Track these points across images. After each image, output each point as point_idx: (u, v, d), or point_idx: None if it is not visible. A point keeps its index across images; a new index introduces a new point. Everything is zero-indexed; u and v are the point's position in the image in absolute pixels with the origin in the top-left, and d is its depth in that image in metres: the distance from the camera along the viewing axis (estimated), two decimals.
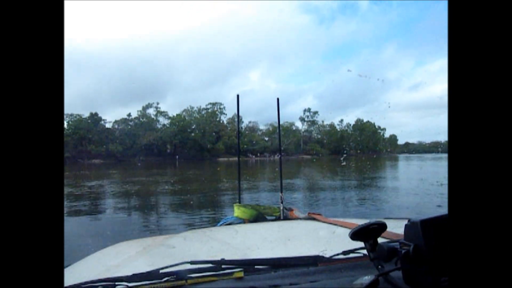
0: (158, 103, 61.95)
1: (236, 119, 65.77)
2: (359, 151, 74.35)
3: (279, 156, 3.54)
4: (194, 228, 4.62)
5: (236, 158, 53.61)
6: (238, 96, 2.91)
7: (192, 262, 0.90)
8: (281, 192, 2.52)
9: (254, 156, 59.94)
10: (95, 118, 54.49)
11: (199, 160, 50.29)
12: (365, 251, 0.78)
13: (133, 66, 77.63)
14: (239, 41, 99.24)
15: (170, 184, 16.38)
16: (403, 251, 0.66)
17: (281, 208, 2.36)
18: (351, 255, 0.93)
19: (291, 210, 2.32)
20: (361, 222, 1.37)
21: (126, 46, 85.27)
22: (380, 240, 0.75)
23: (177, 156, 55.03)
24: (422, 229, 0.65)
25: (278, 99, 2.99)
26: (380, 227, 0.73)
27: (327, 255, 0.93)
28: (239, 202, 2.59)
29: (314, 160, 52.77)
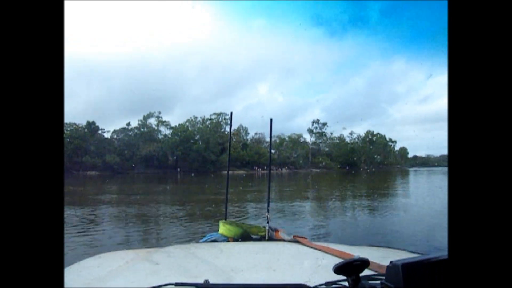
0: (160, 112, 58.63)
1: (241, 131, 65.46)
2: (370, 164, 71.00)
3: (268, 172, 3.22)
4: (178, 243, 4.09)
5: (241, 171, 52.46)
6: (231, 113, 3.32)
7: (176, 284, 0.89)
8: (268, 211, 2.48)
9: (260, 169, 56.34)
10: (92, 127, 51.20)
11: (202, 173, 46.86)
12: (346, 283, 0.78)
13: (139, 77, 75.40)
14: (248, 53, 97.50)
15: (170, 204, 13.37)
16: None
17: (267, 228, 2.31)
18: (333, 286, 0.90)
19: (276, 230, 2.28)
20: (345, 249, 1.46)
21: (133, 57, 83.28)
22: (366, 271, 0.76)
23: (178, 169, 51.56)
24: (403, 272, 0.65)
25: (271, 119, 2.89)
26: (363, 264, 0.73)
27: (311, 285, 0.90)
28: (225, 219, 2.51)
29: (324, 174, 49.13)
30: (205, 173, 46.35)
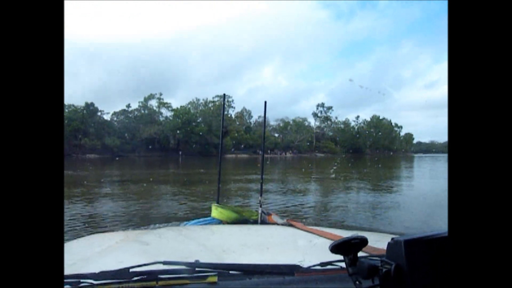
0: (161, 94, 56.72)
1: (244, 114, 64.24)
2: (377, 150, 69.66)
3: (261, 156, 3.57)
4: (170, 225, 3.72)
5: (244, 155, 51.53)
6: (224, 95, 3.55)
7: (165, 263, 0.88)
8: (261, 195, 2.55)
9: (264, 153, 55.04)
10: (91, 109, 49.48)
11: (204, 156, 45.62)
12: (343, 264, 0.77)
13: (140, 58, 73.73)
14: (253, 36, 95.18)
15: (170, 186, 12.46)
16: (384, 270, 0.65)
17: (260, 212, 2.33)
18: (329, 267, 0.90)
19: (269, 214, 2.31)
20: (339, 232, 1.46)
21: (134, 38, 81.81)
22: (360, 254, 0.75)
23: (180, 152, 50.14)
24: (405, 249, 0.64)
25: (265, 102, 3.14)
26: (362, 242, 0.72)
27: (305, 265, 0.91)
28: (218, 203, 2.49)
29: (329, 159, 47.85)
30: (207, 156, 45.15)
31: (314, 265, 0.91)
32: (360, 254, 0.73)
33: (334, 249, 0.71)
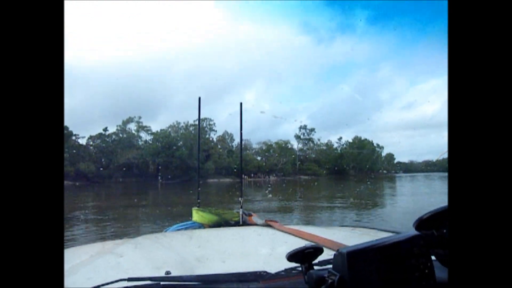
0: (140, 117, 54.88)
1: (226, 137, 63.46)
2: (359, 171, 69.66)
3: (239, 162, 4.14)
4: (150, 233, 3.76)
5: (227, 179, 50.18)
6: (199, 98, 3.09)
7: (129, 279, 0.87)
8: (241, 197, 2.52)
9: (247, 177, 53.58)
10: (65, 133, 47.29)
11: (185, 181, 43.78)
12: None
13: (119, 82, 71.48)
14: (235, 60, 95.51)
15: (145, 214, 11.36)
16: (329, 281, 0.67)
17: (240, 212, 2.32)
18: (293, 272, 0.91)
19: (250, 215, 2.31)
20: (316, 231, 1.47)
21: (113, 61, 79.33)
22: (326, 254, 0.79)
23: (159, 177, 48.06)
24: (348, 260, 0.66)
25: (241, 103, 2.74)
26: (316, 251, 0.75)
27: (272, 271, 0.92)
28: (198, 207, 2.47)
29: (315, 182, 47.11)
30: (188, 181, 43.39)
31: (280, 271, 0.91)
32: (324, 257, 0.78)
33: (290, 258, 0.74)
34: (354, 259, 0.66)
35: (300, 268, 0.82)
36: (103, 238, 7.26)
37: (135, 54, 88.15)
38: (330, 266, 0.78)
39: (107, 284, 0.85)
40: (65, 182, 40.74)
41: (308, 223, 9.35)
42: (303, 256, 0.74)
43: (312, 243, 0.77)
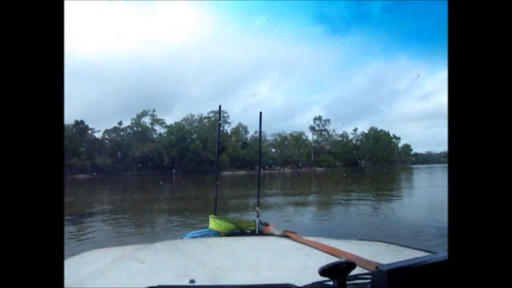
0: (154, 111, 54.94)
1: (240, 129, 63.12)
2: (375, 163, 68.33)
3: (258, 169, 3.72)
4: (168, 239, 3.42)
5: (241, 172, 50.02)
6: (220, 106, 3.51)
7: (158, 287, 0.88)
8: (258, 206, 2.51)
9: (262, 169, 53.18)
10: (81, 127, 47.62)
11: (200, 174, 43.75)
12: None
13: (133, 75, 71.66)
14: (249, 51, 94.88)
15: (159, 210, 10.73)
16: None
17: (257, 222, 2.30)
18: (322, 286, 0.90)
19: (266, 225, 2.29)
20: (336, 244, 1.46)
21: (128, 55, 79.83)
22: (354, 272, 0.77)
23: (174, 170, 48.12)
24: (388, 278, 0.65)
25: (260, 113, 2.95)
26: (349, 266, 0.74)
27: (298, 285, 0.90)
28: (215, 214, 2.49)
29: (329, 173, 46.30)
30: (203, 173, 43.36)
31: (307, 285, 0.89)
32: (354, 272, 0.76)
33: (323, 273, 0.74)
34: (395, 277, 0.65)
35: (329, 283, 0.80)
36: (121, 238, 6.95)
37: (148, 48, 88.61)
38: (360, 281, 0.79)
39: None
40: (83, 176, 41.61)
41: (327, 218, 8.89)
42: (337, 271, 0.73)
43: (346, 258, 0.76)
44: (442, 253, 0.70)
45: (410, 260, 0.69)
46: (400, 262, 0.68)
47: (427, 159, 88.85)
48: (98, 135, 51.10)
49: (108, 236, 7.43)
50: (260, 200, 2.78)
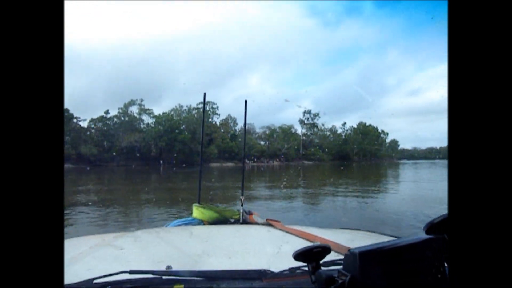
0: (142, 100, 53.82)
1: (229, 121, 62.69)
2: (363, 157, 69.08)
3: (243, 157, 3.59)
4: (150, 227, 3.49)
5: (230, 164, 49.85)
6: (204, 94, 3.10)
7: (131, 272, 0.87)
8: (242, 195, 2.48)
9: (250, 162, 53.09)
10: (65, 115, 46.49)
11: (188, 165, 43.41)
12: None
13: (122, 64, 70.30)
14: (239, 43, 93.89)
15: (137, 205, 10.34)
16: (339, 281, 0.67)
17: (241, 211, 2.29)
18: (298, 271, 0.91)
19: (250, 214, 2.28)
20: (318, 232, 1.47)
21: (116, 43, 78.13)
22: (332, 255, 0.78)
23: (161, 161, 47.59)
24: (360, 260, 0.65)
25: (246, 101, 2.87)
26: (324, 250, 0.74)
27: (274, 270, 0.92)
28: (198, 203, 2.44)
29: (316, 166, 46.61)
30: (191, 165, 43.03)
31: (283, 270, 0.91)
32: (329, 257, 0.77)
33: (297, 257, 0.73)
34: (366, 260, 0.65)
35: (305, 268, 0.79)
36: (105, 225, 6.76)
37: (138, 37, 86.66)
38: (336, 267, 0.79)
39: (108, 275, 0.84)
40: (67, 165, 40.63)
41: (311, 210, 8.90)
42: (311, 255, 0.73)
43: (320, 243, 0.76)
44: (410, 237, 0.71)
45: (380, 243, 0.69)
46: (371, 245, 0.68)
47: (414, 154, 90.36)
48: (83, 124, 49.97)
49: (90, 229, 7.22)
50: (247, 193, 2.71)
